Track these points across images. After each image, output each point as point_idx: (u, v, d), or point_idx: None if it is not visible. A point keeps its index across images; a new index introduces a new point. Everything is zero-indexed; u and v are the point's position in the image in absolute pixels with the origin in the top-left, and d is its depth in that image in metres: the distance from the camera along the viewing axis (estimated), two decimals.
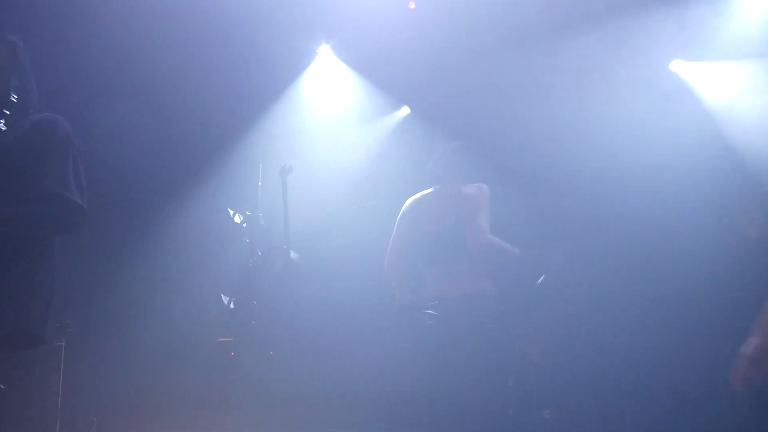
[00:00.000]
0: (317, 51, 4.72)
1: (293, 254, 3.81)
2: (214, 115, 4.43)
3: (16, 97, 2.05)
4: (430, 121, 4.68)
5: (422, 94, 4.79)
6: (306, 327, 3.92)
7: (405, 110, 5.01)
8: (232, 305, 3.97)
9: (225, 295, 4.00)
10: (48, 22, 3.59)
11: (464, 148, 3.41)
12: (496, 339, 3.11)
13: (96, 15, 3.82)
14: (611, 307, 3.83)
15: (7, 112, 2.02)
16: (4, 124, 2.00)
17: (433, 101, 4.74)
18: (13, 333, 2.18)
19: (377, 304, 3.79)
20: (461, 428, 3.03)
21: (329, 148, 4.72)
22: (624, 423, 3.65)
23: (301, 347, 3.91)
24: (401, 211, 3.41)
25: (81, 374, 3.80)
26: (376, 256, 3.76)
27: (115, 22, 3.88)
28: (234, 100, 4.45)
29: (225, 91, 4.37)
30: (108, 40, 3.92)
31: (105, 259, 4.14)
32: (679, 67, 4.51)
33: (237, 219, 4.14)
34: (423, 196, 3.38)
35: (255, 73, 4.46)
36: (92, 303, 4.06)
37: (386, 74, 4.72)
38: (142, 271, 4.26)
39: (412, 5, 4.22)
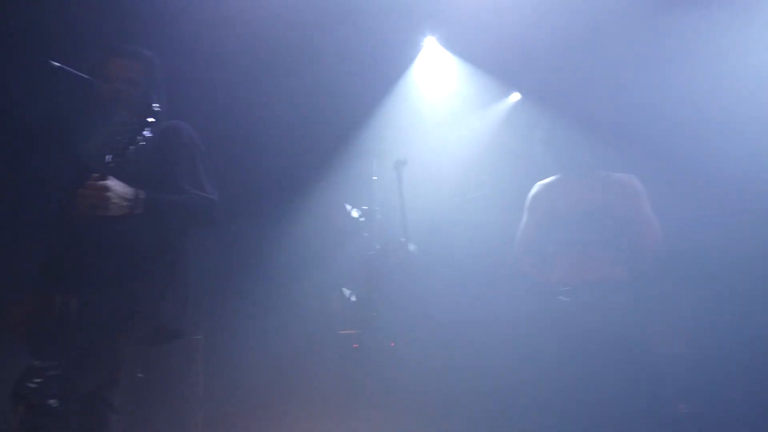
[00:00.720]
0: (423, 43, 4.74)
1: (411, 246, 3.83)
2: (328, 114, 4.54)
3: (158, 106, 2.20)
4: (543, 106, 4.53)
5: (533, 78, 4.66)
6: (427, 317, 3.93)
7: (515, 96, 4.90)
8: (353, 298, 4.07)
9: (346, 288, 4.10)
10: (154, 28, 3.80)
11: (589, 133, 3.30)
12: (631, 326, 3.00)
13: (208, 17, 3.98)
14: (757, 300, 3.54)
15: (152, 120, 2.17)
16: (150, 132, 2.16)
17: (545, 85, 4.59)
18: (153, 328, 2.36)
19: (498, 292, 3.73)
20: (594, 421, 2.93)
21: (441, 139, 4.71)
22: None
23: (421, 338, 3.92)
24: (531, 195, 3.39)
25: (218, 366, 4.03)
26: (494, 244, 3.72)
27: (225, 23, 4.04)
28: (345, 97, 4.52)
29: (336, 89, 4.45)
30: (220, 40, 4.09)
31: (233, 257, 4.36)
32: None
33: (354, 214, 4.22)
34: (556, 181, 3.34)
35: (364, 69, 4.51)
36: (224, 299, 4.29)
37: (494, 61, 4.64)
38: (268, 268, 4.45)
39: None
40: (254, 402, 4.04)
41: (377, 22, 4.22)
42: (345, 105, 4.58)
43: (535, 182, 3.48)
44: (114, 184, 2.12)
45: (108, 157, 2.12)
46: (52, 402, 1.97)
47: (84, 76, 2.27)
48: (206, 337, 3.94)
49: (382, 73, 4.68)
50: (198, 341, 3.84)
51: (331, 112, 4.55)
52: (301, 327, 4.30)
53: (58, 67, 2.19)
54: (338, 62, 4.37)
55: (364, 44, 4.32)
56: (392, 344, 3.95)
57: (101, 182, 2.09)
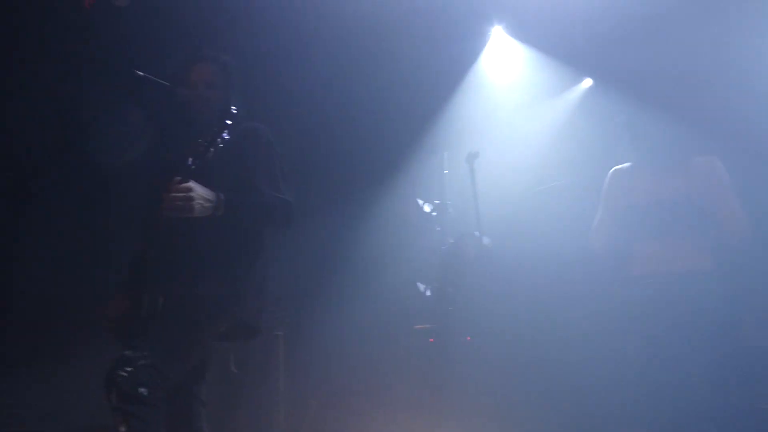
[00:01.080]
0: (490, 33, 4.68)
1: (486, 240, 3.80)
2: (398, 109, 4.55)
3: (235, 108, 2.27)
4: (617, 91, 4.38)
5: (605, 62, 4.51)
6: (503, 311, 3.88)
7: (587, 82, 4.76)
8: (428, 293, 4.07)
9: (421, 283, 4.11)
10: (231, 33, 3.91)
11: (667, 117, 3.15)
12: (720, 319, 2.83)
13: (278, 18, 4.07)
14: None
15: (230, 123, 2.25)
16: (227, 134, 2.24)
17: (619, 69, 4.43)
18: (237, 325, 2.43)
19: (577, 285, 3.65)
20: (685, 419, 2.79)
21: (513, 129, 4.63)
22: None
23: (498, 332, 3.88)
24: (607, 183, 3.24)
25: (299, 361, 4.14)
26: (571, 236, 3.62)
27: (295, 23, 4.12)
28: (415, 92, 4.53)
29: (405, 84, 4.47)
30: (292, 40, 4.18)
31: (309, 254, 4.45)
32: None
33: (427, 208, 4.22)
34: (634, 168, 3.18)
35: (432, 64, 4.50)
36: (303, 295, 4.39)
37: (563, 47, 4.52)
38: (343, 264, 4.52)
39: None
40: (333, 396, 4.11)
41: (444, 15, 4.20)
42: (415, 100, 4.59)
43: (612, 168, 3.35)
44: (197, 187, 2.19)
45: (189, 161, 2.21)
46: (142, 390, 2.06)
47: (165, 83, 2.36)
48: (286, 333, 4.05)
49: (451, 66, 4.65)
50: (278, 337, 3.95)
51: (401, 107, 4.57)
52: (377, 322, 4.34)
53: (143, 76, 2.29)
54: (407, 58, 4.37)
55: (432, 38, 4.32)
56: (468, 339, 3.93)
57: (185, 185, 2.17)
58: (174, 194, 2.17)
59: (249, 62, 2.78)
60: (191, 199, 2.17)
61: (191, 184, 2.18)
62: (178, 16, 3.75)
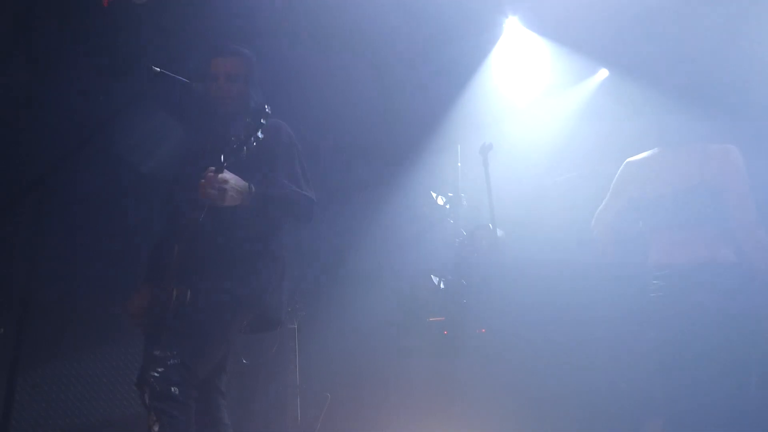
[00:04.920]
0: (504, 24, 4.65)
1: (499, 232, 3.79)
2: (411, 102, 4.55)
3: (269, 107, 2.30)
4: (632, 81, 4.34)
5: (621, 53, 4.47)
6: (517, 304, 3.88)
7: (603, 73, 4.72)
8: (442, 285, 4.07)
9: (435, 276, 4.11)
10: (246, 28, 3.92)
11: (682, 103, 3.10)
12: (739, 315, 2.76)
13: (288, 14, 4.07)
14: None
15: (264, 122, 2.28)
16: (262, 133, 2.27)
17: (635, 59, 4.39)
18: (258, 317, 2.47)
19: (591, 278, 3.63)
20: (703, 417, 2.75)
21: (527, 121, 4.61)
22: None
23: (512, 325, 3.88)
24: (619, 173, 3.19)
25: (314, 354, 4.16)
26: (585, 228, 3.60)
27: (310, 18, 4.12)
28: (428, 84, 4.52)
29: (418, 77, 4.46)
30: (304, 34, 4.18)
31: (324, 246, 4.47)
32: None
33: (440, 201, 4.22)
34: (649, 157, 3.12)
35: (445, 56, 4.49)
36: (317, 289, 4.42)
37: (578, 38, 4.48)
38: (358, 257, 4.53)
39: None
40: (348, 389, 4.13)
41: (458, 7, 4.18)
42: (429, 92, 4.58)
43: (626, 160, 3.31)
44: (230, 177, 2.26)
45: (222, 158, 2.24)
46: (174, 389, 2.10)
47: (183, 79, 2.38)
48: (301, 326, 4.07)
49: (464, 57, 4.62)
50: (293, 330, 3.98)
51: (415, 100, 4.56)
52: (391, 315, 4.36)
53: (159, 72, 2.30)
54: (421, 50, 4.37)
55: (446, 30, 4.30)
56: (483, 331, 3.93)
57: (220, 175, 2.23)
58: (208, 182, 2.21)
59: (263, 55, 2.78)
60: (224, 188, 2.22)
61: (225, 174, 2.23)
62: (196, 14, 3.76)
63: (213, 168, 2.24)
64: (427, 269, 4.22)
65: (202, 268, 2.32)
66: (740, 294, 2.79)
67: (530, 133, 4.52)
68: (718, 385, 2.73)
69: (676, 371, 2.82)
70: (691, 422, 2.79)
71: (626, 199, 3.12)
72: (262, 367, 4.01)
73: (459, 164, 4.20)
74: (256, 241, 2.43)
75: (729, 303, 2.77)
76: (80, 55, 3.65)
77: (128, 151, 3.64)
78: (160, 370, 2.11)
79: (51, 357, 3.56)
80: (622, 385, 3.42)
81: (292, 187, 2.44)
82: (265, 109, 2.29)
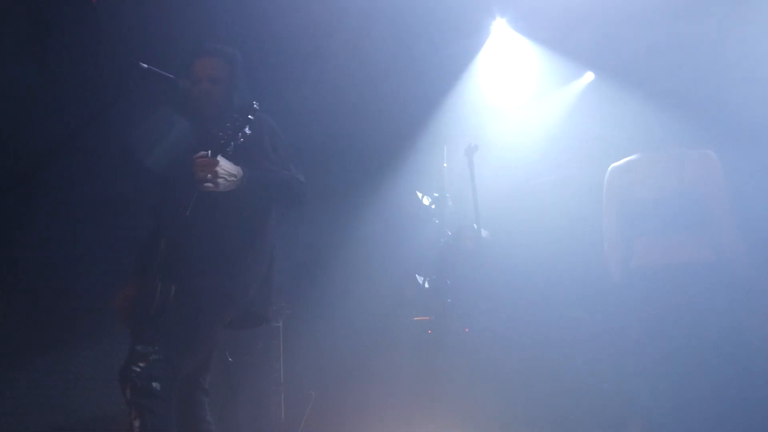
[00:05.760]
0: (492, 26, 4.68)
1: (484, 232, 3.82)
2: (397, 102, 4.56)
3: (257, 104, 2.29)
4: (618, 85, 4.38)
5: (607, 56, 4.51)
6: (501, 303, 3.91)
7: (589, 76, 4.77)
8: (426, 285, 4.10)
9: (420, 275, 4.14)
10: (230, 24, 3.91)
11: (666, 108, 3.14)
12: (718, 316, 2.80)
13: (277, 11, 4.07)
14: None
15: (252, 118, 2.28)
16: (249, 128, 2.27)
17: (620, 63, 4.44)
18: (244, 314, 2.47)
19: (574, 277, 3.67)
20: (686, 415, 2.78)
21: (513, 123, 4.64)
22: None
23: (496, 324, 3.91)
24: (606, 182, 3.23)
25: (298, 352, 4.17)
26: (567, 229, 3.64)
27: (294, 17, 4.12)
28: (415, 84, 4.54)
29: (405, 77, 4.47)
30: (288, 32, 4.18)
31: (308, 245, 4.48)
32: None
33: (426, 201, 4.24)
34: (630, 163, 3.17)
35: (432, 56, 4.51)
36: (302, 288, 4.42)
37: (565, 41, 4.52)
38: (343, 256, 4.54)
39: None
40: (331, 387, 4.14)
41: (446, 8, 4.20)
42: (415, 92, 4.59)
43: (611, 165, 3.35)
44: (223, 161, 2.24)
45: (208, 153, 2.24)
46: (156, 384, 2.09)
47: (170, 76, 2.38)
48: (285, 324, 4.08)
49: (451, 59, 4.65)
50: (278, 328, 3.99)
51: (401, 100, 4.58)
52: (376, 313, 4.37)
53: (146, 68, 2.30)
54: (407, 50, 4.38)
55: (433, 31, 4.32)
56: (467, 330, 3.96)
57: (212, 159, 2.22)
58: (201, 167, 2.20)
59: (248, 52, 2.78)
60: (217, 172, 2.21)
61: (218, 158, 2.22)
62: (184, 11, 3.75)
63: (205, 153, 2.23)
64: (412, 269, 4.24)
65: (188, 263, 2.32)
66: (719, 295, 2.84)
67: (516, 135, 4.56)
68: (698, 384, 2.77)
69: (656, 371, 2.87)
70: (672, 422, 2.83)
71: (616, 207, 3.16)
72: (247, 365, 4.01)
73: (445, 165, 4.22)
74: (242, 238, 2.42)
75: (708, 303, 2.81)
76: (68, 52, 3.63)
77: (116, 148, 3.63)
78: (142, 365, 2.10)
79: (34, 353, 3.53)
80: (605, 385, 3.46)
81: (282, 172, 2.44)
82: (253, 105, 2.28)
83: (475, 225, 3.73)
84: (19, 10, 3.53)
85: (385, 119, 4.61)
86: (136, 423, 2.06)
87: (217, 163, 2.21)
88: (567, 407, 3.62)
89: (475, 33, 4.65)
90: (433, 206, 4.22)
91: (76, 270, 3.69)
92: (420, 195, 4.29)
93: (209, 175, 2.20)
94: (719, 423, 2.81)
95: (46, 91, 3.56)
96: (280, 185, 2.43)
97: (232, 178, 2.26)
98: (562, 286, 3.83)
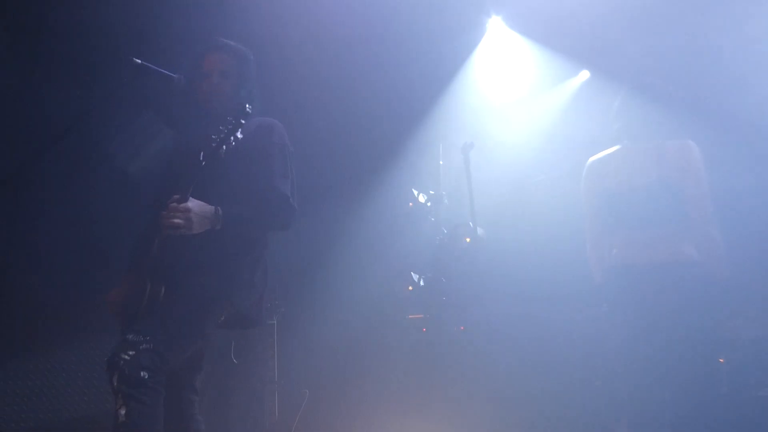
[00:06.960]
0: (487, 24, 4.67)
1: (479, 230, 3.81)
2: (393, 100, 4.55)
3: (250, 107, 2.25)
4: (613, 82, 4.38)
5: (602, 55, 4.51)
6: (496, 301, 3.91)
7: (584, 74, 4.77)
8: (421, 283, 4.09)
9: (415, 273, 4.13)
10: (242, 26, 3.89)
11: (651, 99, 3.02)
12: (703, 313, 2.77)
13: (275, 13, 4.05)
14: None
15: (244, 122, 2.24)
16: (240, 133, 2.23)
17: (615, 61, 4.44)
18: (236, 315, 2.44)
19: (568, 275, 3.67)
20: (671, 409, 2.78)
21: (509, 121, 4.64)
22: None
23: (491, 322, 3.91)
24: (584, 176, 3.13)
25: (292, 350, 4.16)
26: (563, 226, 3.63)
27: (292, 16, 4.10)
28: (411, 82, 4.52)
29: (401, 75, 4.46)
30: (285, 31, 4.15)
31: (304, 243, 4.45)
32: None
33: (421, 199, 4.23)
34: (608, 156, 3.06)
35: (429, 54, 4.50)
36: (296, 286, 4.40)
37: (560, 39, 4.52)
38: (337, 254, 4.53)
39: None
40: (325, 385, 4.14)
41: (442, 6, 4.19)
42: (411, 90, 4.58)
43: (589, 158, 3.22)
44: (194, 205, 2.19)
45: (201, 155, 2.20)
46: (144, 374, 2.07)
47: (166, 72, 2.34)
48: (279, 322, 4.06)
49: (447, 56, 4.64)
50: (272, 326, 3.97)
51: (397, 98, 4.56)
52: (370, 312, 4.36)
53: (140, 64, 2.26)
54: (403, 48, 4.36)
55: (429, 28, 4.30)
56: (462, 328, 3.95)
57: (183, 204, 2.17)
58: (172, 213, 2.16)
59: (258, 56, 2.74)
60: (189, 218, 2.17)
61: (189, 203, 2.18)
62: (185, 11, 3.73)
63: (176, 197, 2.19)
64: (408, 266, 4.23)
65: (181, 261, 2.30)
66: (703, 293, 2.79)
67: (512, 133, 4.56)
68: (685, 384, 2.76)
69: (641, 372, 2.83)
70: (659, 422, 2.82)
71: (596, 196, 3.07)
72: (241, 363, 3.99)
73: (441, 162, 4.21)
74: (235, 237, 2.40)
75: (692, 303, 2.76)
76: (56, 49, 3.59)
77: (106, 146, 3.60)
78: (131, 353, 2.08)
79: (24, 351, 3.51)
80: (597, 383, 3.46)
81: (268, 194, 2.35)
82: (246, 108, 2.25)
83: (470, 223, 3.73)
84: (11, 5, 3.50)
85: (380, 117, 4.59)
86: (122, 411, 2.03)
87: (188, 210, 2.17)
88: (560, 403, 3.63)
89: (470, 31, 4.65)
90: (428, 204, 4.22)
91: (64, 268, 3.67)
92: (416, 192, 4.29)
93: (179, 221, 2.16)
94: (708, 422, 2.80)
95: (31, 90, 3.52)
96: (261, 216, 2.36)
97: (206, 221, 2.22)
98: (557, 284, 3.83)
